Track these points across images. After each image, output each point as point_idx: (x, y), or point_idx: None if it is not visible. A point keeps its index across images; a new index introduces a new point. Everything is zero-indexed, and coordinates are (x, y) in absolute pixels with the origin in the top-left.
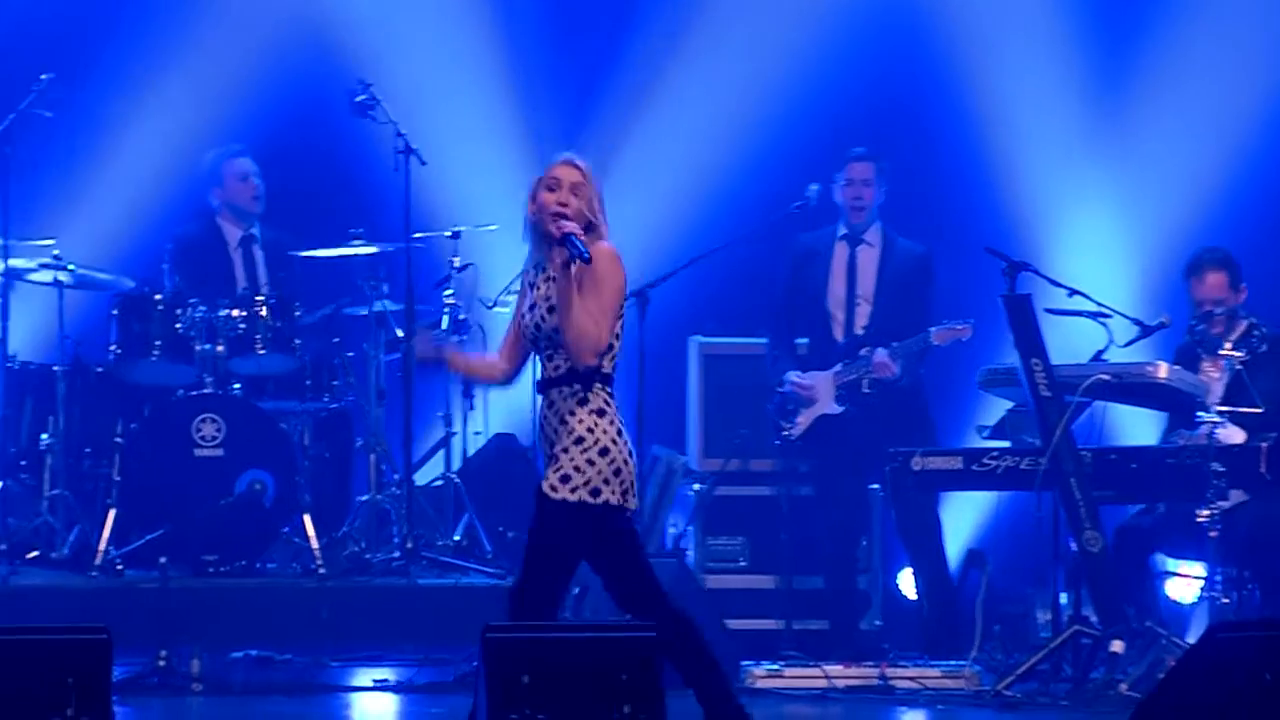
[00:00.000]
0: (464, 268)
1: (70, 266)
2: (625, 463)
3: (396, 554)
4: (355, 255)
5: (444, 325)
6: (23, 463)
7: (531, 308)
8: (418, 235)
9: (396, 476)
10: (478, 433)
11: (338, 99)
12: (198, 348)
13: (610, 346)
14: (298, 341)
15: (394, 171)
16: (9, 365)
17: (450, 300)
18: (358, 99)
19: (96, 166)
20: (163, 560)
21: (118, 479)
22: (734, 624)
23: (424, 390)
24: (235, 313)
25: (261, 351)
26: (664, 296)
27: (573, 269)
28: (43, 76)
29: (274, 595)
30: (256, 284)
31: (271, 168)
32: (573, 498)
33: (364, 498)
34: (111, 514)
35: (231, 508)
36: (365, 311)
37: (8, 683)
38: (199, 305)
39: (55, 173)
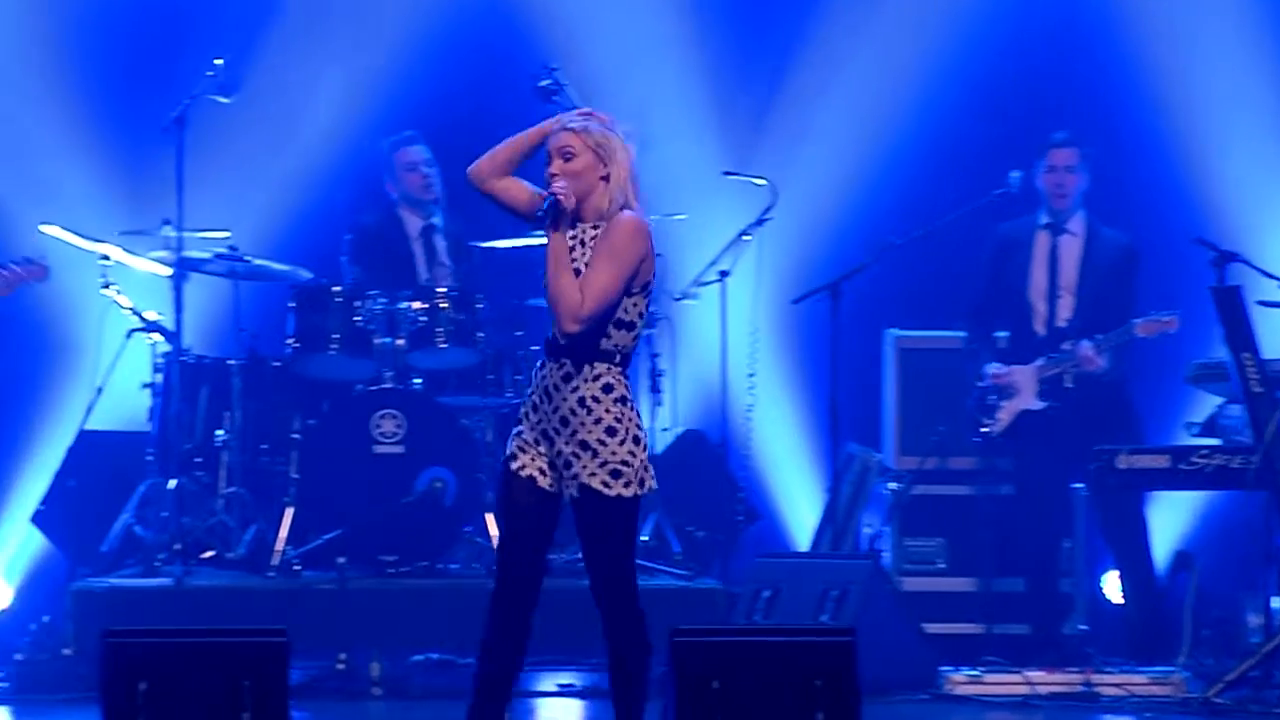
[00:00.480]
0: None
1: (246, 258)
2: (648, 447)
3: (581, 555)
4: (538, 246)
5: None
6: (197, 460)
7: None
8: None
9: None
10: (665, 429)
11: (522, 84)
12: (377, 341)
13: (631, 325)
14: (480, 335)
15: None
16: (183, 359)
17: None
18: (542, 84)
19: (273, 154)
20: (341, 561)
21: (295, 477)
22: (932, 628)
23: None
24: (416, 305)
25: (443, 345)
26: (858, 289)
27: (560, 232)
28: (217, 61)
29: (456, 597)
30: (438, 275)
31: (453, 155)
32: (627, 493)
33: None
34: (289, 513)
35: (412, 507)
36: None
37: (183, 685)
38: (379, 297)
39: (230, 161)
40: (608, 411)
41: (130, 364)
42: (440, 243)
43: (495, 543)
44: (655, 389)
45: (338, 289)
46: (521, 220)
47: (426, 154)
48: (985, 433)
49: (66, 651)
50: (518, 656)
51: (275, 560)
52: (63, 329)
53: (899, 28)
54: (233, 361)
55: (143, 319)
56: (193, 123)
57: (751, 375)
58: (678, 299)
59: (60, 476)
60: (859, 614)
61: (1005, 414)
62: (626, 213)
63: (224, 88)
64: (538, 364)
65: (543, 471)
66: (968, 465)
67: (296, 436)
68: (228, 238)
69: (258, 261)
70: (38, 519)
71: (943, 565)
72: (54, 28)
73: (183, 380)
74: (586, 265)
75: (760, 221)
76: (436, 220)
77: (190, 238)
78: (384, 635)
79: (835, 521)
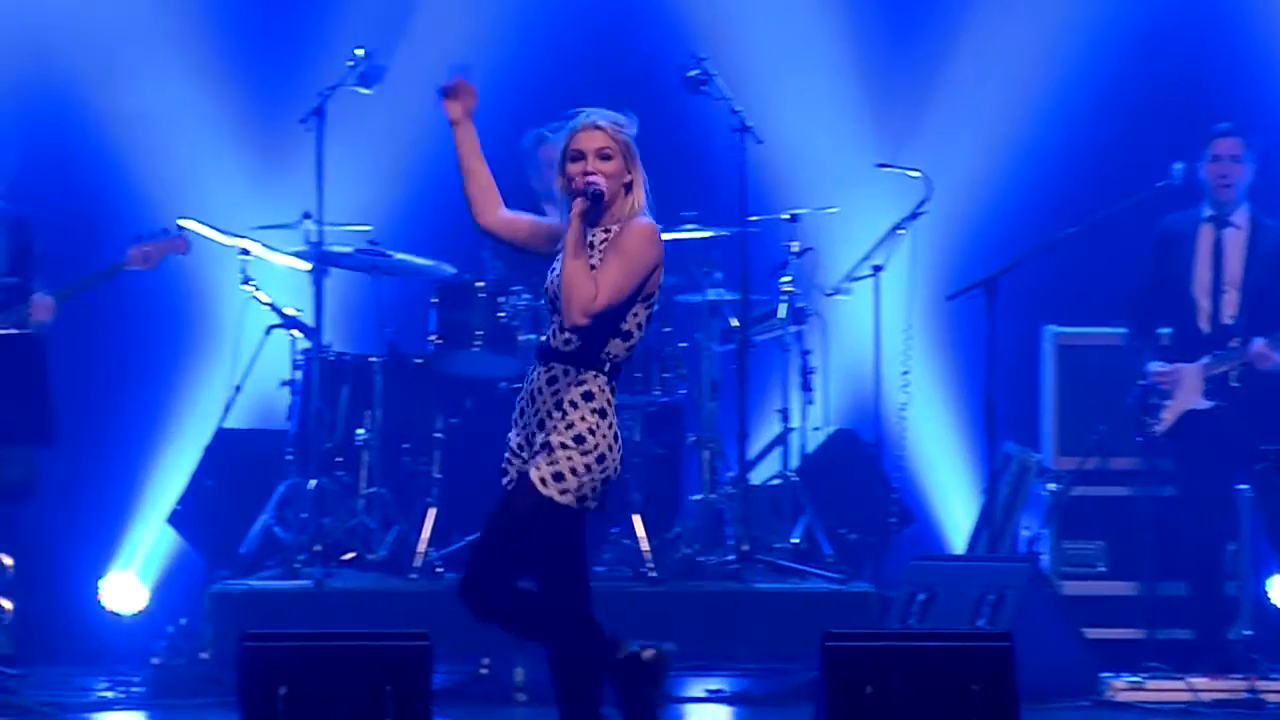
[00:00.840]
0: (803, 253)
1: (387, 252)
2: (615, 470)
3: (731, 557)
4: (687, 240)
5: (781, 314)
6: (338, 459)
7: (554, 269)
8: (754, 219)
9: (731, 475)
10: (817, 428)
11: (669, 74)
12: (521, 338)
13: (628, 334)
14: None
15: (729, 151)
16: (324, 356)
17: (788, 288)
18: (690, 74)
19: (415, 146)
20: None
21: (438, 476)
22: (1092, 633)
23: (760, 383)
24: None
25: None
26: (1015, 284)
27: (582, 205)
28: (357, 51)
29: (602, 600)
30: None
31: None
32: (561, 500)
33: (696, 497)
34: (431, 513)
35: None
36: (698, 299)
37: (324, 690)
38: (523, 293)
39: (371, 154)
40: (583, 419)
41: (269, 361)
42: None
43: (642, 544)
44: (806, 387)
45: (481, 284)
46: (523, 252)
47: None
48: (1148, 432)
49: (204, 655)
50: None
51: (417, 562)
52: (201, 325)
53: (1059, 17)
54: (374, 358)
55: (282, 315)
56: (332, 114)
57: (905, 373)
58: (829, 294)
59: (198, 476)
60: (1016, 618)
61: (1169, 413)
62: (641, 218)
63: (365, 78)
64: (529, 369)
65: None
66: (1129, 466)
67: (439, 435)
68: (368, 231)
69: (399, 256)
70: (174, 519)
71: (1103, 568)
72: (192, 22)
73: (323, 378)
74: (595, 267)
75: (914, 215)
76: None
77: (330, 231)
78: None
79: (992, 523)
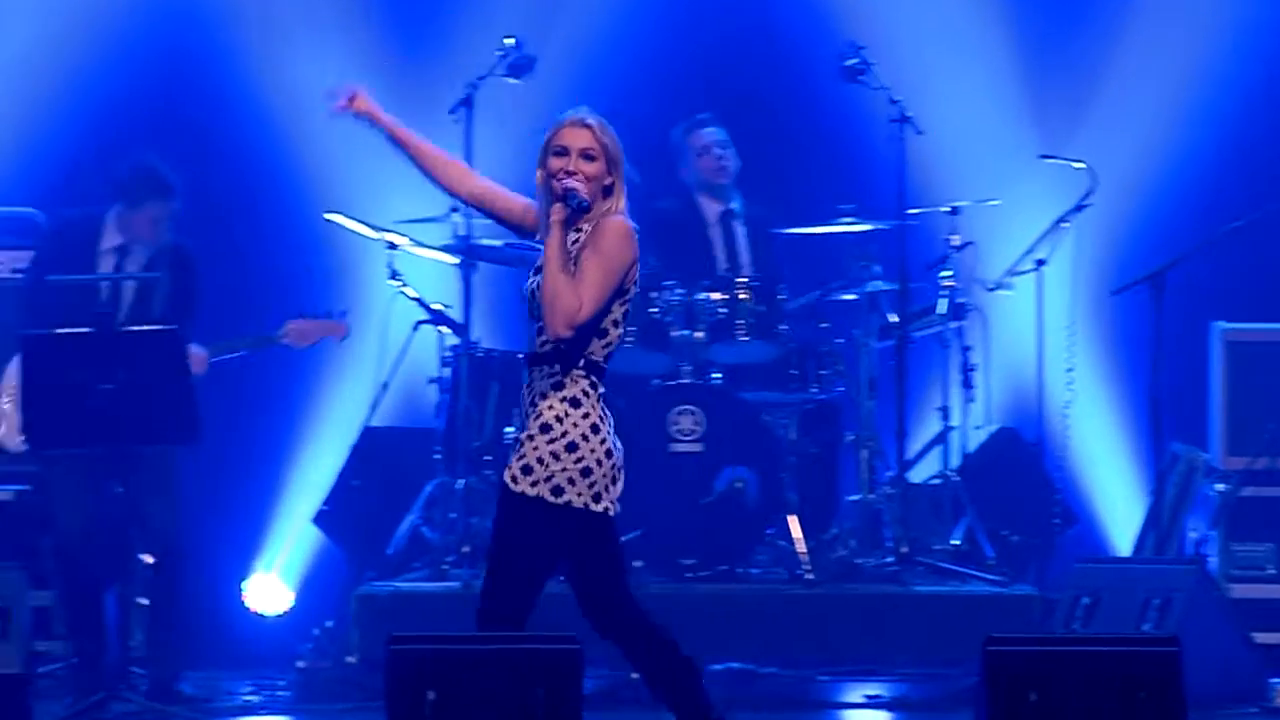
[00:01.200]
0: (963, 246)
1: (537, 246)
2: (599, 463)
3: (890, 559)
4: (844, 233)
5: (941, 309)
6: (487, 458)
7: (537, 271)
8: (913, 211)
9: (890, 474)
10: (978, 426)
11: (826, 64)
12: (674, 334)
13: (604, 332)
14: (782, 327)
15: (887, 142)
16: (472, 352)
17: (948, 282)
18: (848, 63)
19: None
20: (637, 564)
21: None
22: (1261, 637)
23: (920, 380)
24: (715, 296)
25: (744, 338)
26: (1182, 278)
27: (561, 214)
28: (507, 41)
29: (757, 603)
30: (737, 264)
31: (753, 138)
32: (532, 492)
33: (854, 497)
34: None
35: (711, 508)
36: (855, 295)
37: (473, 694)
38: (676, 288)
39: (520, 144)
40: (550, 408)
41: (417, 358)
42: (739, 229)
43: (798, 546)
44: (967, 384)
45: None
46: (513, 232)
47: (721, 136)
48: None
49: (350, 659)
50: None
51: None
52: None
53: (1228, 6)
54: (523, 354)
55: (430, 310)
56: (480, 104)
57: (1069, 370)
58: (991, 289)
59: (344, 475)
60: (1184, 622)
61: None
62: (614, 216)
63: (514, 69)
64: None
65: None
66: None
67: None
68: None
69: None
70: (320, 520)
71: (1273, 571)
72: (338, 11)
73: (471, 374)
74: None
75: (1079, 208)
76: (735, 205)
77: (479, 225)
78: (682, 642)
79: (1158, 525)
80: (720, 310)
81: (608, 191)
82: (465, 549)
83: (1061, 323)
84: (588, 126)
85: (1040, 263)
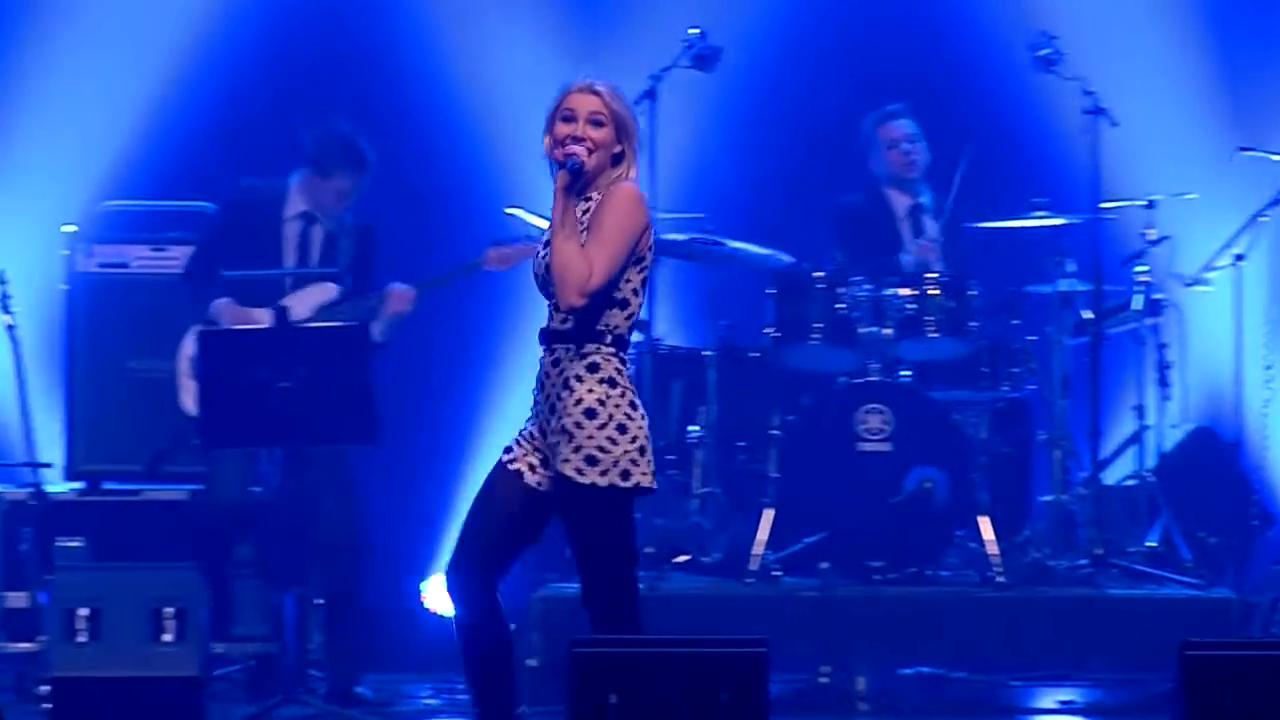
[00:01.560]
0: (1159, 241)
1: (721, 241)
2: (647, 439)
3: (1084, 561)
4: (1037, 228)
5: (1136, 306)
6: (670, 458)
7: (545, 244)
8: (1107, 205)
9: (1083, 475)
10: (1174, 426)
11: (1016, 53)
12: (862, 330)
13: (625, 302)
14: (973, 324)
15: (1081, 134)
16: (655, 349)
17: (1144, 278)
18: (1040, 53)
19: (748, 129)
20: (824, 566)
21: (775, 476)
22: None
23: (1114, 378)
24: (904, 291)
25: (933, 335)
26: None
27: (564, 180)
28: (691, 31)
29: (947, 606)
30: (926, 260)
31: (938, 130)
32: (603, 481)
33: (1047, 498)
34: (767, 515)
35: (900, 508)
36: (1048, 290)
37: (656, 698)
38: (863, 283)
39: (705, 138)
40: (590, 392)
41: None
42: (930, 224)
43: (989, 548)
44: (1163, 382)
45: (819, 274)
46: None
47: (911, 128)
48: None
49: (531, 662)
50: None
51: (753, 565)
52: (521, 319)
53: None
54: (708, 352)
55: None
56: (663, 96)
57: (1268, 368)
58: (1188, 284)
59: None
60: None
61: None
62: (623, 182)
63: (699, 60)
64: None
65: (533, 467)
66: None
67: (776, 433)
68: (701, 219)
69: (734, 244)
70: None
71: None
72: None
73: (654, 372)
74: (584, 243)
75: (1278, 202)
76: (924, 199)
77: (662, 219)
78: (870, 647)
79: None
80: (909, 306)
81: (618, 159)
82: (649, 550)
83: (1260, 319)
84: (596, 92)
85: (1238, 258)
